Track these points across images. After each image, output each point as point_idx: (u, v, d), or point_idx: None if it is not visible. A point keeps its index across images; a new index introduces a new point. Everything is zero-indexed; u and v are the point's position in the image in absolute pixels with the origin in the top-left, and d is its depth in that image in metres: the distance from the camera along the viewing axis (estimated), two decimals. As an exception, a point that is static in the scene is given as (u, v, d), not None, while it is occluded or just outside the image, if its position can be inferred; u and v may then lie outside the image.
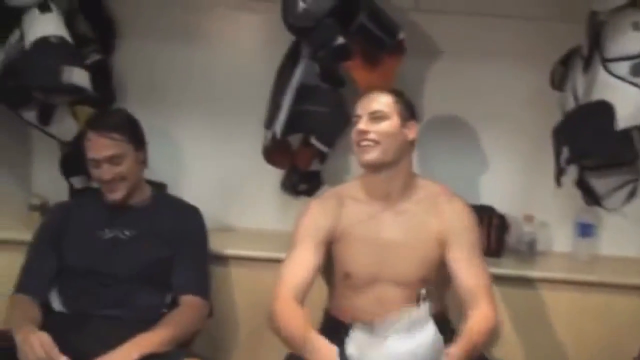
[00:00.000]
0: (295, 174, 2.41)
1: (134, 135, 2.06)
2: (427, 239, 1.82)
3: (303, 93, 2.21)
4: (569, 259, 2.33)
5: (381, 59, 2.20)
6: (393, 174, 1.84)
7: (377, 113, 1.82)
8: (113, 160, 1.99)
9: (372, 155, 1.81)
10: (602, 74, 1.95)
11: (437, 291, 1.87)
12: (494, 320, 1.74)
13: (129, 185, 2.04)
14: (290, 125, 2.21)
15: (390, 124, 1.82)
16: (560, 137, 2.05)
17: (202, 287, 2.05)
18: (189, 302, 1.99)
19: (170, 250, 2.03)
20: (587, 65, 2.03)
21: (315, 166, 2.38)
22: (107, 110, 2.27)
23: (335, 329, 1.82)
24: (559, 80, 2.17)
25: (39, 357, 1.70)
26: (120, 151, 1.99)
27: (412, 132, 1.86)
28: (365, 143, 1.81)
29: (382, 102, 1.84)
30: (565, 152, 2.00)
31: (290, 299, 1.76)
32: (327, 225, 1.86)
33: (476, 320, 1.70)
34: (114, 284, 1.97)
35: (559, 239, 2.41)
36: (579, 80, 2.05)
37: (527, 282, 2.18)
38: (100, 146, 1.99)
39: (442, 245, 1.82)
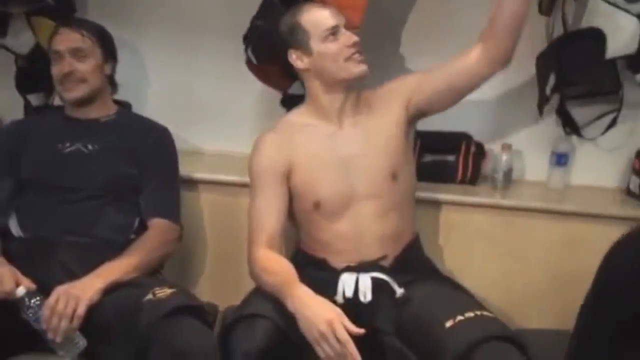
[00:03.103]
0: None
1: (105, 44, 2.00)
2: (385, 132, 1.82)
3: (260, 6, 2.08)
4: (543, 188, 2.32)
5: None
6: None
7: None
8: (77, 54, 1.93)
9: (365, 65, 1.79)
10: (594, 0, 1.89)
11: (409, 203, 1.87)
12: None
13: (88, 90, 1.96)
14: (244, 39, 2.10)
15: (355, 33, 1.81)
16: (547, 64, 2.00)
17: (172, 211, 1.98)
18: (158, 226, 1.92)
19: (138, 168, 1.94)
20: (578, -10, 1.97)
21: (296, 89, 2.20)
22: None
23: (306, 265, 1.78)
24: (547, 5, 2.09)
25: None
26: (87, 47, 1.94)
27: None
28: (358, 54, 1.78)
29: (338, 13, 1.80)
30: (552, 80, 1.96)
31: (266, 246, 1.73)
32: (284, 157, 1.80)
33: None
34: (77, 200, 1.88)
35: (533, 168, 2.38)
36: (569, 5, 1.99)
37: (502, 211, 2.16)
38: (68, 38, 1.94)
39: (404, 118, 1.83)
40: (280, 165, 1.80)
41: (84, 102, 1.97)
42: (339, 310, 1.52)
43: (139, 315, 1.57)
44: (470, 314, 1.58)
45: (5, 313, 1.62)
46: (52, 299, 1.61)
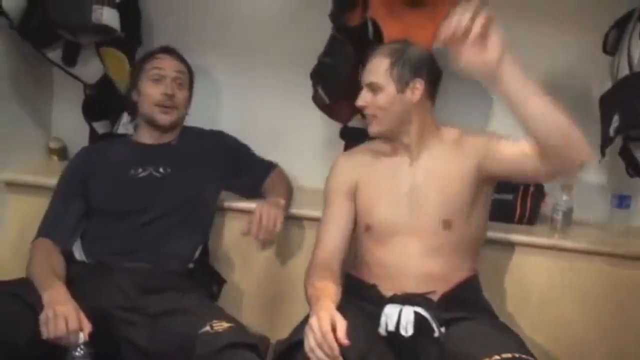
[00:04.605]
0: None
1: (192, 78, 2.11)
2: (448, 179, 1.78)
3: (327, 43, 2.13)
4: (604, 230, 2.26)
5: (404, 10, 2.06)
6: (404, 135, 1.82)
7: (372, 85, 1.79)
8: (177, 80, 2.03)
9: (373, 128, 1.83)
10: (662, 39, 1.86)
11: (465, 250, 1.83)
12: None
13: (176, 117, 2.05)
14: (312, 76, 2.16)
15: (385, 96, 1.78)
16: (611, 105, 1.96)
17: (269, 163, 2.21)
18: (276, 172, 2.19)
19: (212, 178, 2.05)
20: (646, 30, 1.93)
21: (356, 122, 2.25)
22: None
23: (355, 289, 1.80)
24: (611, 44, 2.07)
25: (58, 334, 1.57)
26: (185, 77, 2.06)
27: (416, 94, 1.78)
28: (368, 116, 1.82)
29: (377, 71, 1.79)
30: (616, 121, 1.92)
31: (322, 263, 1.79)
32: (353, 178, 1.87)
33: None
34: (145, 223, 1.92)
35: (594, 209, 2.33)
36: (635, 45, 1.95)
37: (561, 252, 2.11)
38: (171, 63, 2.04)
39: (474, 176, 1.77)
40: (349, 184, 1.88)
41: (169, 129, 2.05)
42: (338, 316, 1.54)
43: (194, 346, 1.59)
44: (508, 355, 1.54)
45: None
46: (257, 214, 1.86)
